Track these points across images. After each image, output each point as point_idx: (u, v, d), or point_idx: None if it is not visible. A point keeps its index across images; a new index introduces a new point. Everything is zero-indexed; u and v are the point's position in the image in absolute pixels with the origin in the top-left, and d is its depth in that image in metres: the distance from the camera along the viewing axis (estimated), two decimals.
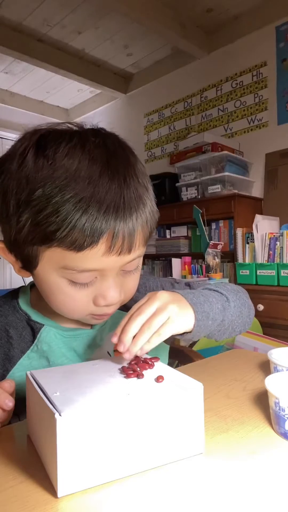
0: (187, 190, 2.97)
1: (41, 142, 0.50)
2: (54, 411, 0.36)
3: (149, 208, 0.53)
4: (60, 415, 0.35)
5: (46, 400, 0.38)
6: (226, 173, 2.68)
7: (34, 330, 0.62)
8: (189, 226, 3.04)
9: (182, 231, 3.10)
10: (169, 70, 3.54)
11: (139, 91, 3.88)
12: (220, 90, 3.17)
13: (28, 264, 0.54)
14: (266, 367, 0.71)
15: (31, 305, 0.64)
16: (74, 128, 0.53)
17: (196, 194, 2.91)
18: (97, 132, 0.54)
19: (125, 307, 0.70)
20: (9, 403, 0.46)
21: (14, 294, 0.67)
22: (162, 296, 0.54)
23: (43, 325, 0.62)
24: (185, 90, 3.44)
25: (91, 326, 0.66)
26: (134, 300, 0.71)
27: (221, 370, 0.71)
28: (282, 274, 2.32)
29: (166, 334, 0.51)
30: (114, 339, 0.50)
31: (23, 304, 0.64)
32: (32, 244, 0.50)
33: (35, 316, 0.62)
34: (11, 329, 0.62)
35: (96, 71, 3.71)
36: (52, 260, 0.51)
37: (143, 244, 0.55)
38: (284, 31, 2.74)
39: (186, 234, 3.07)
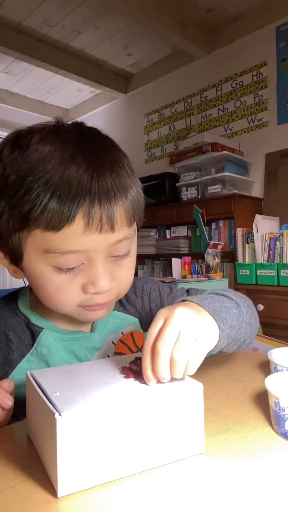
0: (187, 190, 2.97)
1: (18, 137, 0.52)
2: (54, 411, 0.36)
3: (129, 186, 0.52)
4: (60, 415, 0.35)
5: (46, 400, 0.38)
6: (226, 173, 2.68)
7: (33, 333, 0.61)
8: (189, 226, 3.03)
9: (182, 231, 3.10)
10: (169, 70, 3.53)
11: (139, 91, 3.87)
12: (220, 90, 3.17)
13: (14, 257, 0.53)
14: (266, 367, 0.71)
15: (31, 308, 0.63)
16: (53, 122, 0.54)
17: (196, 194, 2.91)
18: (74, 123, 0.55)
19: (123, 308, 0.70)
20: (9, 401, 0.46)
21: (13, 296, 0.66)
22: (181, 314, 0.46)
23: (43, 328, 0.61)
24: (185, 90, 3.44)
25: (91, 329, 0.65)
26: (131, 303, 0.71)
27: (221, 370, 0.71)
28: (282, 274, 2.32)
29: (198, 361, 0.45)
30: (151, 383, 0.43)
31: (22, 307, 0.63)
32: (14, 230, 0.50)
33: (35, 319, 0.62)
34: (11, 333, 0.61)
35: (96, 71, 3.70)
36: (34, 246, 0.50)
37: (128, 224, 0.52)
38: (284, 31, 2.73)
39: (186, 234, 3.07)
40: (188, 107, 3.42)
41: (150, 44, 3.32)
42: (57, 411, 0.36)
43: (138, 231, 0.59)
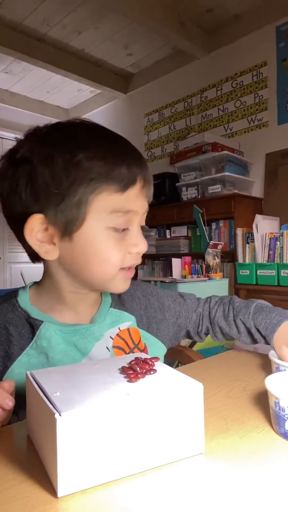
0: (187, 190, 2.97)
1: (57, 127, 0.61)
2: (54, 411, 0.36)
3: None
4: (60, 415, 0.35)
5: (46, 400, 0.38)
6: (226, 173, 2.67)
7: (33, 327, 0.62)
8: (189, 226, 3.03)
9: (182, 231, 3.10)
10: (169, 70, 3.53)
11: (139, 91, 3.87)
12: (220, 90, 3.17)
13: (71, 226, 0.57)
14: (266, 367, 0.71)
15: (30, 303, 0.65)
16: (78, 120, 0.63)
17: (196, 194, 2.91)
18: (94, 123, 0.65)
19: (121, 305, 0.72)
20: (9, 402, 0.46)
21: (13, 293, 0.67)
22: None
23: (42, 321, 0.62)
24: (185, 90, 3.44)
25: (90, 321, 0.67)
26: (134, 301, 0.75)
27: (221, 370, 0.71)
28: (282, 274, 2.32)
29: None
30: None
31: (22, 302, 0.65)
32: (83, 196, 0.56)
33: (35, 313, 0.63)
34: (11, 327, 0.62)
35: (96, 71, 3.70)
36: (100, 209, 0.57)
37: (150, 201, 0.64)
38: (284, 31, 2.73)
39: (186, 234, 3.07)
40: (188, 107, 3.42)
41: (150, 44, 3.32)
42: (57, 411, 0.36)
43: None
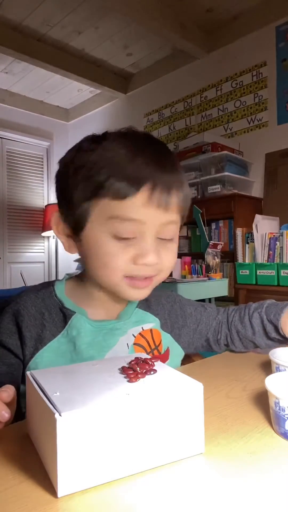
0: None
1: (94, 136, 0.63)
2: (54, 411, 0.36)
3: (184, 182, 0.62)
4: (60, 415, 0.35)
5: (46, 400, 0.38)
6: (226, 173, 2.67)
7: (66, 316, 0.66)
8: (189, 226, 3.03)
9: (182, 231, 3.09)
10: (169, 70, 3.53)
11: (139, 91, 3.87)
12: (220, 90, 3.17)
13: (78, 226, 0.61)
14: (266, 367, 0.71)
15: (65, 295, 0.68)
16: (124, 129, 0.64)
17: (196, 194, 2.91)
18: (143, 132, 0.65)
19: (147, 307, 0.74)
20: (6, 414, 0.45)
21: (51, 282, 0.72)
22: None
23: (75, 312, 0.66)
24: (185, 90, 3.44)
25: (117, 317, 0.70)
26: (159, 305, 0.78)
27: (221, 370, 0.71)
28: (282, 274, 2.32)
29: None
30: None
31: (58, 292, 0.69)
32: (85, 199, 0.58)
33: (68, 304, 0.67)
34: (46, 313, 0.66)
35: (96, 71, 3.70)
36: (100, 213, 0.58)
37: (178, 211, 0.62)
38: (284, 31, 2.74)
39: (186, 234, 3.07)
40: (188, 107, 3.42)
41: (150, 44, 3.32)
42: (57, 411, 0.36)
43: (181, 227, 0.67)
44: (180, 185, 0.61)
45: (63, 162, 0.64)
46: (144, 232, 0.58)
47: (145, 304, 0.75)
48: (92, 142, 0.61)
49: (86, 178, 0.58)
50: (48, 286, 0.70)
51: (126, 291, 0.62)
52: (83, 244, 0.62)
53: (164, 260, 0.62)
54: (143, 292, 0.64)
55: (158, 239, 0.60)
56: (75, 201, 0.59)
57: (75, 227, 0.62)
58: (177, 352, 0.77)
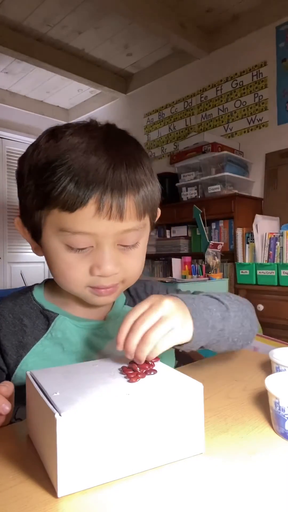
0: (187, 190, 2.97)
1: (55, 129, 0.58)
2: (54, 411, 0.36)
3: (143, 182, 0.56)
4: (60, 415, 0.35)
5: (46, 400, 0.38)
6: (226, 173, 2.67)
7: (48, 318, 0.65)
8: (189, 226, 3.03)
9: (182, 231, 3.10)
10: (169, 70, 3.53)
11: (139, 91, 3.87)
12: (220, 90, 3.17)
13: (35, 233, 0.59)
14: (266, 367, 0.71)
15: (45, 298, 0.67)
16: (87, 121, 0.60)
17: (196, 194, 2.91)
18: (106, 123, 0.60)
19: (134, 303, 0.71)
20: (6, 407, 0.45)
21: (29, 288, 0.71)
22: (167, 304, 0.52)
23: (57, 314, 0.65)
24: (185, 90, 3.43)
25: (105, 318, 0.68)
26: (141, 300, 0.73)
27: (221, 370, 0.71)
28: (282, 274, 2.32)
29: (164, 347, 0.50)
30: (119, 348, 0.49)
31: (37, 296, 0.67)
32: (37, 208, 0.56)
33: (49, 306, 0.66)
34: (25, 318, 0.65)
35: (96, 71, 3.70)
36: (51, 223, 0.55)
37: (137, 217, 0.56)
38: (284, 31, 2.73)
39: (186, 234, 3.07)
40: (188, 107, 3.42)
41: (150, 44, 3.32)
42: (57, 411, 0.36)
43: (151, 228, 0.63)
44: (139, 185, 0.55)
45: (21, 161, 0.60)
46: (99, 242, 0.55)
47: (135, 299, 0.73)
48: (50, 137, 0.57)
49: (36, 186, 0.55)
50: (26, 292, 0.69)
51: (91, 299, 0.61)
52: (44, 250, 0.60)
53: (126, 268, 0.59)
54: (109, 299, 0.62)
55: (119, 245, 0.57)
56: (29, 209, 0.57)
57: (33, 234, 0.60)
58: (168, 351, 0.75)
